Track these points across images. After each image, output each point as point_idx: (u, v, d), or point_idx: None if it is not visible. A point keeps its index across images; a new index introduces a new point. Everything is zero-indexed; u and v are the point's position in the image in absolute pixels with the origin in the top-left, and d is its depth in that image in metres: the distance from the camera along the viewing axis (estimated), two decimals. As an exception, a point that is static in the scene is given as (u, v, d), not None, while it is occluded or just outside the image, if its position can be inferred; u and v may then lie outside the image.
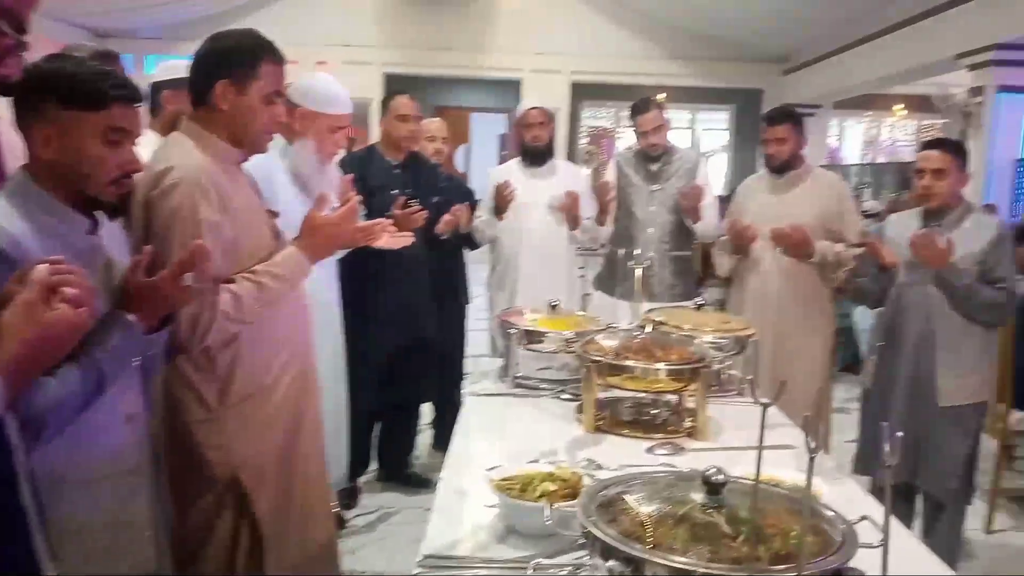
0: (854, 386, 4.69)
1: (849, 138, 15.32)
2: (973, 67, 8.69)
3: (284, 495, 1.97)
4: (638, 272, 2.54)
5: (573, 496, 1.56)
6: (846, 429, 3.98)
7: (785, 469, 1.90)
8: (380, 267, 3.21)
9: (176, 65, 2.76)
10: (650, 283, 3.59)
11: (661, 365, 2.13)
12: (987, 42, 8.24)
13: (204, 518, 1.88)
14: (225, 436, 1.86)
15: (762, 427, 1.16)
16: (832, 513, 1.24)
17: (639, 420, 2.28)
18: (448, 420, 4.20)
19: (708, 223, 3.59)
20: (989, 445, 3.46)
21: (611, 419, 2.25)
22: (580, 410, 2.29)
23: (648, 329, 2.30)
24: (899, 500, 2.88)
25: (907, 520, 2.87)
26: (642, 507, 1.23)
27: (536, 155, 3.83)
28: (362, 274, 3.18)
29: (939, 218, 2.86)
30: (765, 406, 1.14)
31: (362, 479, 3.67)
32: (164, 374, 1.85)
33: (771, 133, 3.34)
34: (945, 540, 2.80)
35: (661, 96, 13.81)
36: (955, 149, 2.87)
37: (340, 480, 3.04)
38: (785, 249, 3.23)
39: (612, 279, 3.75)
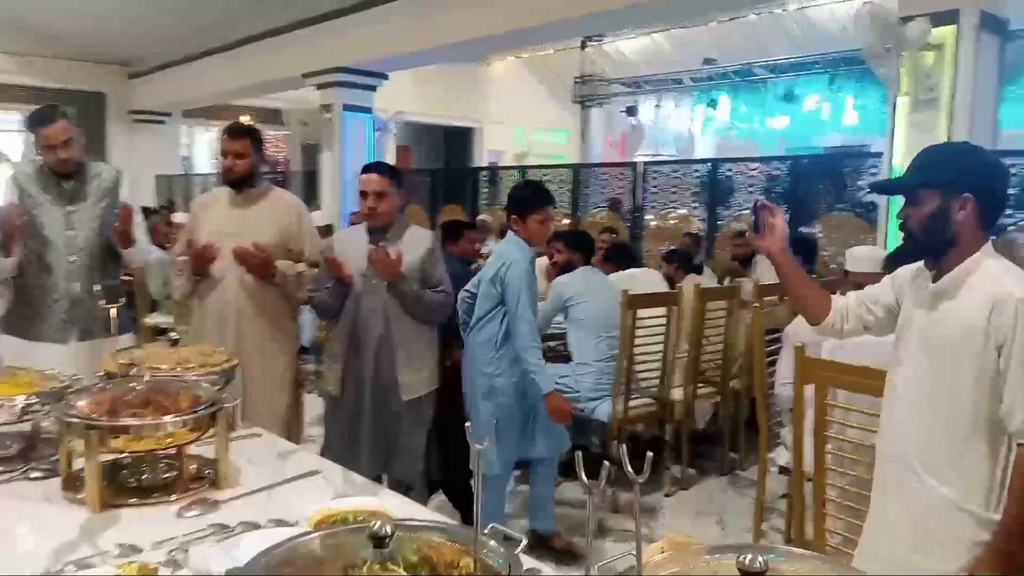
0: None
1: (199, 147, 15.40)
2: (320, 87, 9.59)
3: None
4: (113, 311, 2.20)
5: (159, 595, 1.32)
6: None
7: (324, 496, 1.91)
8: None
9: None
10: (80, 318, 3.11)
11: (172, 417, 1.90)
12: (331, 64, 9.17)
13: None
14: None
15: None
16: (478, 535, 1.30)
17: (139, 483, 1.99)
18: None
19: (141, 246, 3.27)
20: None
21: (109, 489, 1.91)
22: (68, 487, 1.91)
23: (145, 376, 2.02)
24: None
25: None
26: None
27: None
28: None
29: (384, 233, 3.13)
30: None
31: None
32: None
33: (229, 146, 3.18)
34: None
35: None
36: (391, 172, 3.17)
37: None
38: (249, 268, 3.14)
39: (27, 318, 3.13)
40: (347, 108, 9.41)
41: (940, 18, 4.74)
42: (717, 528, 3.77)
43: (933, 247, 1.85)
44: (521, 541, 1.36)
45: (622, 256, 4.90)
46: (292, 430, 3.28)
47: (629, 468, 1.05)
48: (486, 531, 1.37)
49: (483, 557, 1.23)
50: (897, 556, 1.89)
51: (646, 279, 4.55)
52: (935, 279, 1.86)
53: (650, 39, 11.59)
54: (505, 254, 3.22)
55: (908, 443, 1.87)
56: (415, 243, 3.15)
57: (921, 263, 1.93)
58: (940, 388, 1.81)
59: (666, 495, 4.12)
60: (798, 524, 2.49)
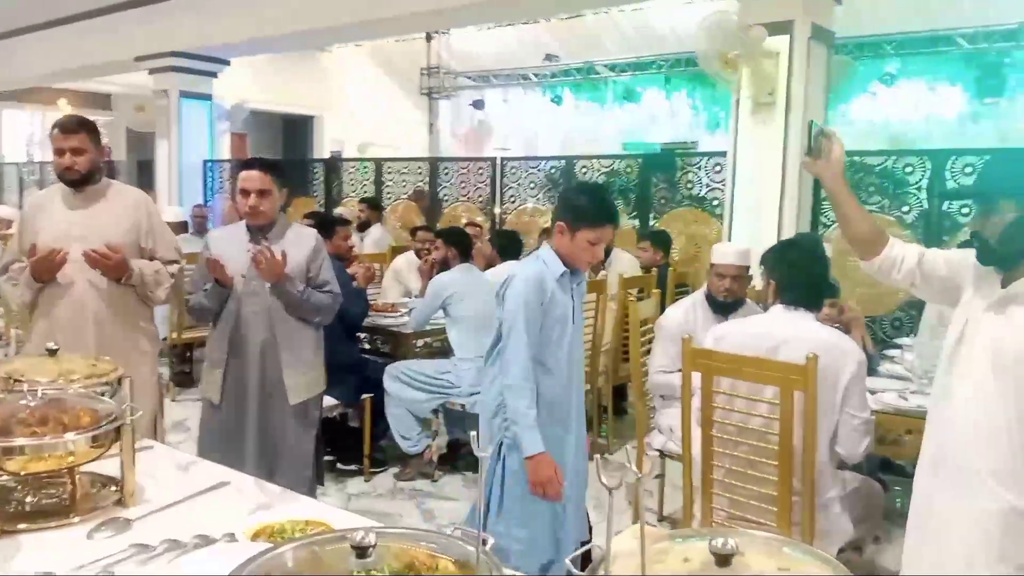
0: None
1: (8, 132, 14.05)
2: (154, 71, 9.04)
3: None
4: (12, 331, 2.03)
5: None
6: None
7: (241, 507, 1.86)
8: None
9: None
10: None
11: (75, 435, 1.79)
12: (166, 48, 8.66)
13: None
14: None
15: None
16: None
17: (24, 506, 1.86)
18: None
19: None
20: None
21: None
22: (-54, 516, 1.76)
23: (39, 391, 1.88)
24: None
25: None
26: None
27: None
28: None
29: (266, 232, 3.03)
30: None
31: None
32: None
33: (65, 143, 2.95)
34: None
35: None
36: (273, 168, 3.07)
37: None
38: (103, 271, 2.94)
39: None
40: (185, 95, 8.93)
41: (776, 28, 5.13)
42: (596, 512, 3.92)
43: (1009, 256, 1.82)
44: (488, 539, 1.40)
45: (512, 245, 5.03)
46: (154, 438, 3.12)
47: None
48: (452, 531, 1.40)
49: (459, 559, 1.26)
50: (952, 565, 1.87)
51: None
52: (1003, 283, 1.84)
53: (494, 33, 11.73)
54: (515, 268, 2.60)
55: (975, 453, 1.83)
56: (299, 242, 3.08)
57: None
58: (1012, 399, 1.79)
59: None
60: (687, 504, 2.67)
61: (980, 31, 8.86)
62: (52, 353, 2.28)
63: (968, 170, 4.99)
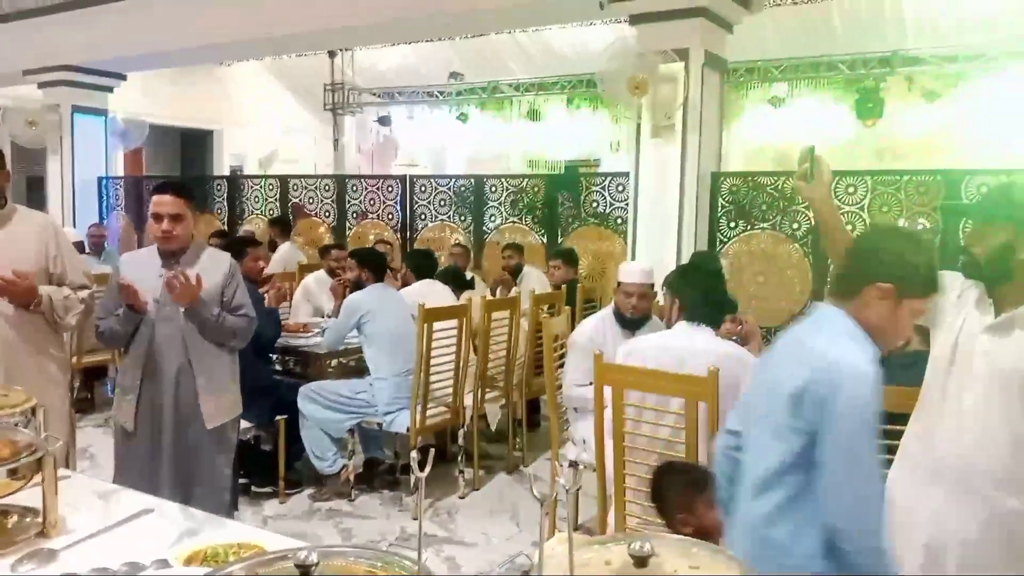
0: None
1: None
2: (43, 85, 8.70)
3: None
4: None
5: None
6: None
7: (168, 534, 1.88)
8: None
9: None
10: None
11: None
12: (58, 62, 8.36)
13: None
14: None
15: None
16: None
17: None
18: None
19: None
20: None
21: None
22: None
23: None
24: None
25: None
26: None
27: None
28: None
29: (178, 257, 3.01)
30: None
31: None
32: None
33: None
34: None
35: None
36: (187, 192, 3.05)
37: None
38: (11, 298, 2.87)
39: None
40: (78, 109, 8.62)
41: (674, 55, 5.39)
42: (512, 524, 4.03)
43: (993, 275, 1.89)
44: (424, 556, 1.47)
45: (427, 263, 5.10)
46: (67, 467, 3.05)
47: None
48: (387, 547, 1.47)
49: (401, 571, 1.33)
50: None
51: (433, 291, 4.72)
52: (996, 307, 1.90)
53: (399, 50, 11.76)
54: (827, 352, 1.72)
55: (985, 463, 1.88)
56: (213, 266, 3.07)
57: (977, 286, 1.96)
58: (1018, 412, 1.85)
59: (460, 497, 4.32)
60: (602, 513, 2.79)
61: (858, 58, 9.47)
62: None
63: (851, 189, 5.38)
